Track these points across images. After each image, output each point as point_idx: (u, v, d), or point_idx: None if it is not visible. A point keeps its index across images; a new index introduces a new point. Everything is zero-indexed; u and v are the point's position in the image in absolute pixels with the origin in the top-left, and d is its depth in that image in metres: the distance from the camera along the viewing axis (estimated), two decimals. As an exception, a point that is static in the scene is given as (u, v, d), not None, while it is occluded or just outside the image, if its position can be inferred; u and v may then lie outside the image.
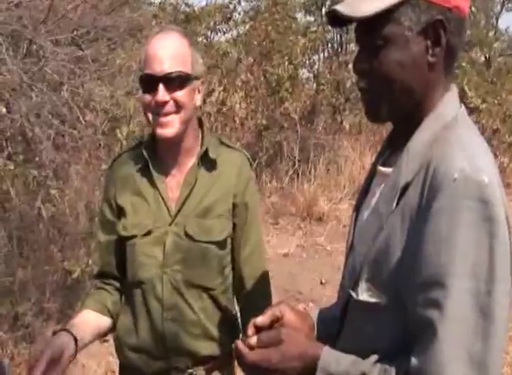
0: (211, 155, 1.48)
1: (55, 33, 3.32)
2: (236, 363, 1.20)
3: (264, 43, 6.05)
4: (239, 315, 1.60)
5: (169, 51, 1.39)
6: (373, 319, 0.94)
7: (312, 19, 7.58)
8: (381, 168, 1.02)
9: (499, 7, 9.17)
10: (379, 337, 0.93)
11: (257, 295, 1.54)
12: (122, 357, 1.55)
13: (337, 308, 1.07)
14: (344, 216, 5.47)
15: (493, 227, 0.82)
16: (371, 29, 0.92)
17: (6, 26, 3.05)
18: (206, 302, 1.48)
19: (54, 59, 3.18)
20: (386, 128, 7.58)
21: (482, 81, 7.20)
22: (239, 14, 6.67)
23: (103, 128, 3.68)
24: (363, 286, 0.95)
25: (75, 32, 3.44)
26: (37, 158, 3.37)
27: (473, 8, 7.75)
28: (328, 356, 0.94)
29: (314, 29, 6.55)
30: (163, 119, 1.40)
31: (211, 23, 6.04)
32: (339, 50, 7.61)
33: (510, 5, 9.24)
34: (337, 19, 0.94)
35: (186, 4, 5.80)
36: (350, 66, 7.41)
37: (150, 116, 1.42)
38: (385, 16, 0.90)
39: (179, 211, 1.46)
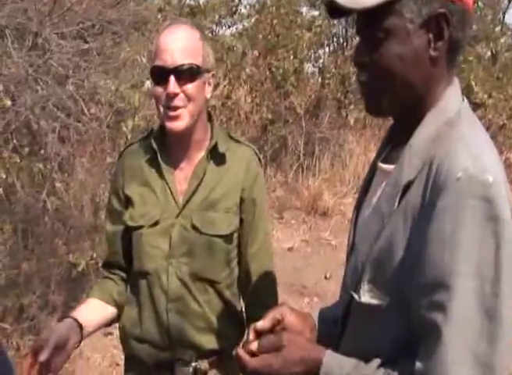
0: (221, 149, 1.48)
1: (61, 26, 3.31)
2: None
3: (269, 37, 6.03)
4: (244, 310, 1.60)
5: (180, 44, 1.39)
6: (376, 320, 0.93)
7: (317, 13, 7.54)
8: (382, 165, 1.00)
9: (506, 2, 9.10)
10: (382, 339, 0.92)
11: (263, 292, 1.54)
12: (127, 348, 1.56)
13: (338, 308, 1.06)
14: (349, 211, 5.46)
15: (498, 226, 0.81)
16: (372, 21, 0.90)
17: (12, 19, 3.05)
18: (211, 296, 1.48)
19: (59, 52, 3.18)
20: (391, 123, 7.54)
21: (488, 76, 7.15)
22: (244, 8, 6.65)
23: (108, 121, 3.68)
24: (365, 287, 0.93)
25: (80, 25, 3.43)
26: (42, 151, 3.37)
27: (480, 3, 7.70)
28: (331, 360, 0.93)
29: (320, 23, 6.51)
30: (173, 113, 1.40)
31: (217, 17, 6.02)
32: (345, 44, 7.57)
33: (517, -1, 9.16)
34: (337, 10, 0.92)
35: (192, -3, 5.78)
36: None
37: (161, 109, 1.42)
38: (387, 8, 0.88)
39: (186, 203, 1.46)
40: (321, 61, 7.28)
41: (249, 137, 5.79)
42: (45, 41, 3.20)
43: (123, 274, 1.57)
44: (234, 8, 6.35)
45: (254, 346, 0.98)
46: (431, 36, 0.89)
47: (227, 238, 1.48)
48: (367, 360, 0.91)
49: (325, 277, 4.46)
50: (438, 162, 0.86)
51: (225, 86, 5.66)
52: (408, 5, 0.88)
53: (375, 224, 0.94)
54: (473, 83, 6.75)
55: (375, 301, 0.92)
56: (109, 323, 1.56)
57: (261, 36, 6.04)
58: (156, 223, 1.46)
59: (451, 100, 0.93)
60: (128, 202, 1.51)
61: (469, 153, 0.84)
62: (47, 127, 3.18)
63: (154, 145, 1.48)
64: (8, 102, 2.95)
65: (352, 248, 1.03)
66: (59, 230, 3.65)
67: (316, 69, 7.27)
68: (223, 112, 5.76)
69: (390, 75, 0.91)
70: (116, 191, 1.54)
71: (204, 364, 1.50)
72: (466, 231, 0.81)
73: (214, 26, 6.19)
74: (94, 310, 1.48)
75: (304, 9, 7.33)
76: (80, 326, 1.36)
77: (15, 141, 3.23)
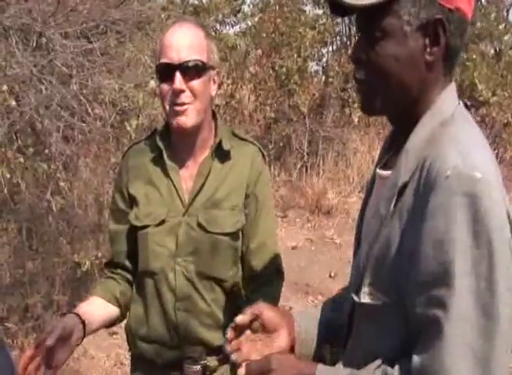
0: (225, 146, 1.48)
1: (64, 26, 3.32)
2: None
3: (272, 36, 6.02)
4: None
5: (186, 41, 1.40)
6: (376, 321, 0.93)
7: (321, 11, 7.53)
8: (380, 171, 1.02)
9: (510, -1, 9.06)
10: (383, 339, 0.93)
11: (262, 289, 1.53)
12: (134, 348, 1.56)
13: (342, 312, 1.06)
14: (353, 209, 5.46)
15: (490, 223, 0.81)
16: (371, 19, 0.91)
17: (16, 20, 3.06)
18: (218, 294, 1.48)
19: (63, 52, 3.18)
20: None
21: (492, 74, 7.13)
22: (248, 7, 6.64)
23: (112, 121, 3.68)
24: (365, 289, 0.94)
25: (84, 25, 3.44)
26: (46, 151, 3.38)
27: (483, 0, 7.67)
28: (324, 373, 0.94)
29: (323, 21, 6.50)
30: (179, 108, 1.40)
31: (220, 16, 6.02)
32: (348, 43, 7.55)
33: (521, -4, 9.12)
34: (339, 8, 0.94)
35: (195, -4, 5.77)
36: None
37: (167, 106, 1.42)
38: (386, 8, 0.89)
39: (192, 202, 1.46)
40: (324, 59, 7.27)
41: (253, 136, 5.78)
42: (49, 41, 3.21)
43: (126, 274, 1.56)
44: (238, 7, 6.35)
45: (241, 371, 0.99)
46: (427, 40, 0.90)
47: (233, 236, 1.48)
48: (370, 362, 0.92)
49: (330, 276, 4.46)
50: (430, 161, 0.87)
51: (228, 85, 5.66)
52: (406, 7, 0.89)
53: (374, 226, 0.95)
54: (477, 81, 6.73)
55: (374, 302, 0.93)
56: (112, 323, 1.56)
57: (264, 35, 6.04)
58: (162, 222, 1.46)
59: (446, 102, 0.94)
60: (133, 202, 1.50)
61: (459, 151, 0.85)
62: (51, 127, 3.18)
63: (160, 144, 1.48)
64: (13, 102, 2.96)
65: (357, 251, 1.05)
66: (64, 230, 3.66)
67: (320, 68, 7.26)
68: (227, 111, 5.76)
69: (385, 74, 0.92)
70: (120, 190, 1.54)
71: (213, 361, 1.50)
72: (458, 228, 0.81)
73: (217, 25, 6.18)
74: (96, 308, 1.48)
75: (308, 8, 7.31)
76: (83, 323, 1.36)
77: (19, 141, 3.24)
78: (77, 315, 1.37)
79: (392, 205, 0.91)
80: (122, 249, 1.54)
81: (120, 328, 2.10)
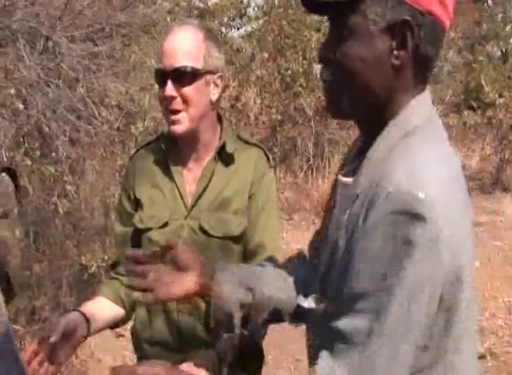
0: (229, 149, 1.48)
1: (71, 29, 3.34)
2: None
3: (278, 38, 6.04)
4: None
5: (180, 46, 1.39)
6: (321, 325, 0.93)
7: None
8: (341, 178, 0.99)
9: (516, 0, 9.02)
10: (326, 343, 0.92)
11: None
12: (139, 351, 1.56)
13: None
14: (358, 212, 5.44)
15: (424, 246, 0.77)
16: (339, 17, 0.88)
17: (24, 24, 3.08)
18: None
19: (69, 55, 3.20)
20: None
21: (499, 76, 7.11)
22: (253, 9, 6.66)
23: (118, 124, 3.70)
24: (313, 295, 0.95)
25: (90, 28, 3.46)
26: (53, 154, 3.40)
27: (489, 1, 7.66)
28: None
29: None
30: (172, 117, 1.40)
31: (225, 19, 6.04)
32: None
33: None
34: (310, 3, 0.90)
35: (200, 0, 5.80)
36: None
37: (164, 112, 1.43)
38: (352, 6, 0.85)
39: (194, 205, 1.46)
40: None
41: (258, 139, 5.79)
42: (56, 45, 3.23)
43: None
44: (243, 10, 6.36)
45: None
46: (394, 43, 0.86)
47: (236, 239, 1.47)
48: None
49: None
50: (379, 177, 0.84)
51: (234, 88, 5.67)
52: (373, 7, 0.85)
53: (331, 234, 0.95)
54: (483, 82, 6.71)
55: (318, 307, 0.94)
56: (116, 324, 1.55)
57: (269, 37, 6.05)
58: (165, 225, 1.46)
59: (414, 112, 0.88)
60: (138, 205, 1.51)
61: (407, 168, 0.81)
62: (58, 130, 3.20)
63: (164, 147, 1.49)
64: (20, 105, 2.97)
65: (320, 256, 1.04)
66: (70, 233, 3.67)
67: (325, 70, 7.25)
68: (232, 114, 5.76)
69: (350, 75, 0.88)
70: (127, 193, 1.54)
71: None
72: (391, 247, 0.79)
73: (222, 28, 6.20)
74: (101, 308, 1.48)
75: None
76: (88, 321, 1.36)
77: (26, 144, 3.26)
78: (81, 313, 1.37)
79: (346, 215, 0.89)
80: (123, 247, 1.55)
81: (126, 331, 2.10)
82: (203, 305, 1.46)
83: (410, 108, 0.88)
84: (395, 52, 0.86)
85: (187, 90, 1.39)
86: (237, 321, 1.03)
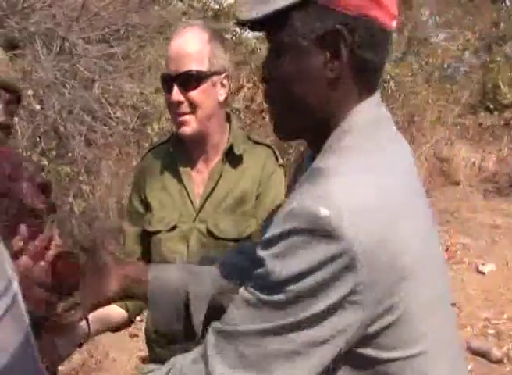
0: (237, 151, 1.46)
1: (87, 31, 3.37)
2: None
3: (292, 39, 6.01)
4: None
5: (184, 50, 1.39)
6: None
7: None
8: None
9: (534, 0, 8.91)
10: None
11: None
12: (151, 352, 1.56)
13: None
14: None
15: (332, 267, 0.72)
16: (270, 34, 0.84)
17: (41, 25, 3.11)
18: None
19: (85, 57, 3.23)
20: (417, 125, 7.47)
21: (517, 76, 7.02)
22: (267, 10, 6.65)
23: (133, 124, 3.71)
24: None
25: (106, 30, 3.48)
26: (69, 154, 3.43)
27: (507, 1, 7.57)
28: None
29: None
30: (180, 119, 1.40)
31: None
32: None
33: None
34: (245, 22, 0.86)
35: (215, 1, 5.81)
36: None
37: (172, 115, 1.43)
38: (280, 21, 0.80)
39: (202, 207, 1.45)
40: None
41: (273, 140, 5.78)
42: (72, 46, 3.25)
43: None
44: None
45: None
46: (327, 55, 0.80)
47: (246, 241, 1.46)
48: None
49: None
50: (297, 191, 0.79)
51: (249, 89, 5.67)
52: (300, 20, 0.79)
53: None
54: (500, 83, 6.64)
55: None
56: (117, 327, 1.52)
57: (284, 38, 6.02)
58: (174, 228, 1.45)
59: (355, 120, 0.82)
60: (147, 207, 1.51)
61: (319, 184, 0.76)
62: (74, 131, 3.23)
63: (172, 149, 1.48)
64: (37, 106, 3.00)
65: None
66: (86, 232, 3.69)
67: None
68: (247, 115, 5.76)
69: (286, 94, 0.83)
70: (138, 193, 1.54)
71: None
72: (286, 273, 0.73)
73: (237, 29, 6.20)
74: (102, 309, 1.48)
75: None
76: (87, 320, 1.36)
77: (43, 145, 3.29)
78: None
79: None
80: (137, 251, 1.54)
81: (140, 331, 2.10)
82: None
83: (350, 118, 0.82)
84: (329, 65, 0.80)
85: (194, 94, 1.39)
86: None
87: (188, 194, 1.46)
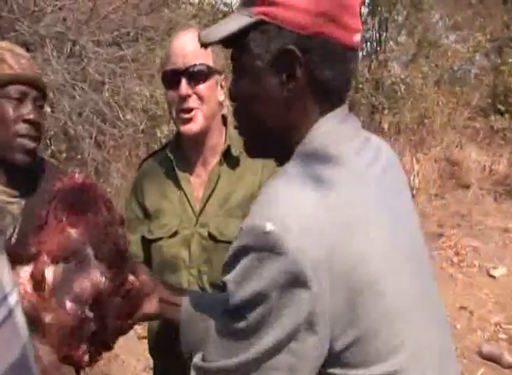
0: (234, 152, 1.45)
1: (97, 33, 3.38)
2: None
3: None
4: None
5: (190, 46, 1.39)
6: None
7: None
8: None
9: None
10: None
11: None
12: (153, 357, 1.56)
13: None
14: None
15: (289, 276, 0.71)
16: (231, 55, 0.84)
17: (51, 28, 3.13)
18: None
19: (96, 59, 3.24)
20: (427, 128, 7.43)
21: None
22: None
23: (143, 127, 3.72)
24: None
25: (116, 32, 3.50)
26: (78, 157, 3.44)
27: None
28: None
29: (353, 27, 6.46)
30: (187, 115, 1.39)
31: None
32: (378, 48, 7.50)
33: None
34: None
35: (225, 3, 5.82)
36: (389, 64, 7.30)
37: (174, 113, 1.41)
38: (238, 43, 0.81)
39: (202, 210, 1.44)
40: (354, 65, 7.22)
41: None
42: (82, 49, 3.27)
43: None
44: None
45: None
46: (283, 75, 0.79)
47: None
48: None
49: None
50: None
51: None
52: (256, 40, 0.79)
53: None
54: (512, 85, 6.58)
55: None
56: None
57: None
58: (175, 234, 1.43)
59: (311, 138, 0.81)
60: (146, 216, 1.49)
61: (264, 199, 0.76)
62: (84, 133, 3.24)
63: (170, 155, 1.47)
64: (48, 109, 3.02)
65: None
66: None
67: (349, 74, 7.21)
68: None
69: (247, 114, 0.84)
70: (137, 200, 1.51)
71: None
72: (251, 284, 0.73)
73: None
74: None
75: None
76: None
77: (53, 147, 3.30)
78: None
79: None
80: (139, 255, 1.53)
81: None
82: None
83: (310, 134, 0.81)
84: (286, 85, 0.79)
85: (202, 87, 1.39)
86: None
87: (188, 199, 1.44)
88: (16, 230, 1.27)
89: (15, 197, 1.30)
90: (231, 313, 0.76)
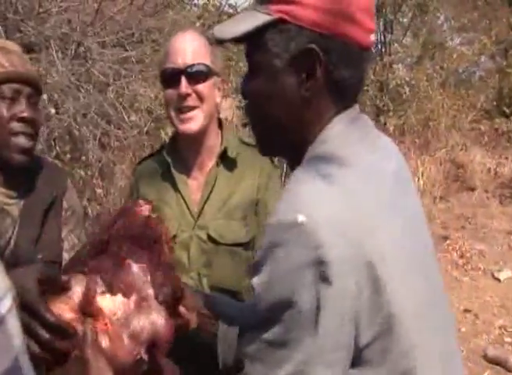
0: (231, 154, 1.45)
1: (102, 35, 3.39)
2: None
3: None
4: None
5: (190, 46, 1.39)
6: None
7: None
8: None
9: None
10: None
11: None
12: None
13: None
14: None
15: (319, 270, 0.70)
16: (246, 53, 0.83)
17: (56, 30, 3.14)
18: None
19: (100, 61, 3.25)
20: (432, 130, 7.41)
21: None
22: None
23: (147, 128, 3.73)
24: None
25: (120, 34, 3.50)
26: (83, 158, 3.44)
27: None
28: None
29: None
30: (186, 115, 1.38)
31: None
32: (383, 50, 7.49)
33: None
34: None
35: (230, 5, 5.83)
36: (394, 66, 7.29)
37: (172, 113, 1.40)
38: (254, 41, 0.80)
39: (200, 213, 1.43)
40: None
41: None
42: (87, 50, 3.28)
43: None
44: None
45: None
46: (302, 74, 0.79)
47: (246, 246, 1.43)
48: None
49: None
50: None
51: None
52: (275, 40, 0.78)
53: None
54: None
55: None
56: None
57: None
58: (173, 237, 1.41)
59: (328, 135, 0.82)
60: None
61: (289, 195, 0.76)
62: (88, 134, 3.24)
63: (167, 157, 1.46)
64: (52, 110, 3.02)
65: None
66: (99, 236, 3.70)
67: (354, 76, 7.20)
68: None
69: (262, 113, 0.83)
70: None
71: None
72: (280, 283, 0.72)
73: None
74: None
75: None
76: None
77: (57, 148, 3.31)
78: None
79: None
80: None
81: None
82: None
83: (325, 133, 0.81)
84: (304, 84, 0.79)
85: (201, 86, 1.38)
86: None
87: (185, 202, 1.44)
88: (15, 232, 1.24)
89: (13, 198, 1.27)
90: (264, 321, 0.74)
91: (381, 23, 7.24)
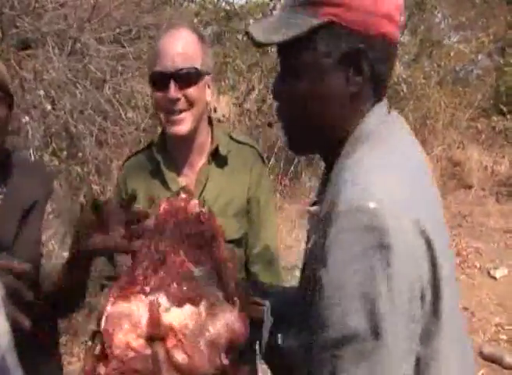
0: (222, 152, 1.45)
1: (99, 31, 3.37)
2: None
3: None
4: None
5: (179, 48, 1.36)
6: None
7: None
8: (308, 208, 0.96)
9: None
10: None
11: None
12: None
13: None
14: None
15: (388, 255, 0.73)
16: (289, 54, 0.85)
17: (53, 26, 3.12)
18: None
19: (97, 57, 3.23)
20: (429, 128, 7.41)
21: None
22: (279, 12, 6.63)
23: (144, 125, 3.72)
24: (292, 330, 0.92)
25: (117, 30, 3.49)
26: (80, 154, 3.43)
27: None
28: None
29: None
30: (175, 117, 1.37)
31: (252, 21, 6.03)
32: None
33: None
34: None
35: (227, 2, 5.81)
36: (396, 66, 7.26)
37: (162, 115, 1.39)
38: (302, 43, 0.83)
39: None
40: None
41: (285, 142, 5.75)
42: (84, 46, 3.26)
43: None
44: (270, 12, 6.35)
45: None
46: (350, 72, 0.84)
47: (239, 242, 1.44)
48: None
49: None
50: (331, 196, 0.80)
51: (260, 90, 5.66)
52: (324, 41, 0.83)
53: (307, 267, 0.91)
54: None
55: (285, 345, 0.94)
56: None
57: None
58: None
59: (368, 124, 0.86)
60: None
61: (355, 182, 0.78)
62: (85, 131, 3.23)
63: (157, 155, 1.45)
64: (49, 106, 3.01)
65: None
66: (96, 233, 3.69)
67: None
68: (258, 117, 5.75)
69: (306, 112, 0.86)
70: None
71: None
72: (352, 268, 0.74)
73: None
74: None
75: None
76: None
77: (54, 145, 3.29)
78: None
79: (311, 243, 0.86)
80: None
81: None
82: None
83: (364, 123, 0.86)
84: (352, 80, 0.84)
85: (191, 90, 1.37)
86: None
87: None
88: None
89: None
90: (343, 312, 0.75)
91: (379, 21, 7.22)
